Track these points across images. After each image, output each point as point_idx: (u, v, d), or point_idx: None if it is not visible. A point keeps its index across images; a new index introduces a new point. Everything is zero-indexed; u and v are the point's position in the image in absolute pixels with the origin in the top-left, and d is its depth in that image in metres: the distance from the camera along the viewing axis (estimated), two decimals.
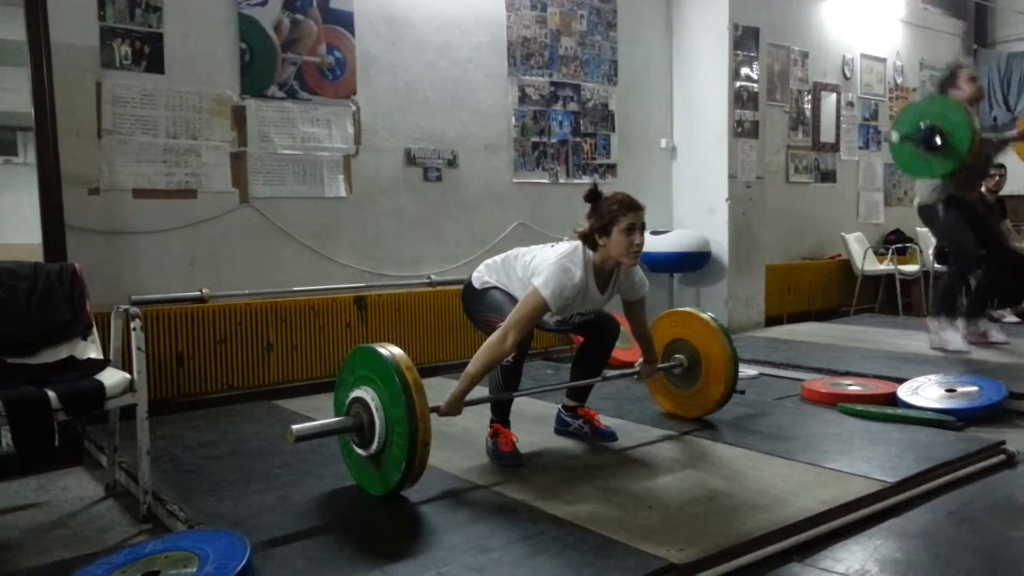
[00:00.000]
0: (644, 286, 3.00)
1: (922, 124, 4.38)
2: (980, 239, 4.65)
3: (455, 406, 2.63)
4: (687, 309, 3.45)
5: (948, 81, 4.69)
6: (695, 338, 3.30)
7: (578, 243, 2.81)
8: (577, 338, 3.25)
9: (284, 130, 4.30)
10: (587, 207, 2.80)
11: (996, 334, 4.90)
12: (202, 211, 4.06)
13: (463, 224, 4.99)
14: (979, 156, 4.55)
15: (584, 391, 3.16)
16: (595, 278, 2.81)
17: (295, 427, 2.35)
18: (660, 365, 3.30)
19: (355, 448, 2.50)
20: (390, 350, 2.40)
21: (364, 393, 2.43)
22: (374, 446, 2.40)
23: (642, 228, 2.75)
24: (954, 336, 4.72)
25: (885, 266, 7.02)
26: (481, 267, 3.06)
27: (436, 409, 2.52)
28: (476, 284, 3.01)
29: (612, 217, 2.71)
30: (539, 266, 2.77)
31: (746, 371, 4.22)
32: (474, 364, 2.65)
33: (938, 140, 4.33)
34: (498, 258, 3.03)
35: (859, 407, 3.49)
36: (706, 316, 3.31)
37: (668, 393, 3.43)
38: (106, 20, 3.77)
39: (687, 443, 3.06)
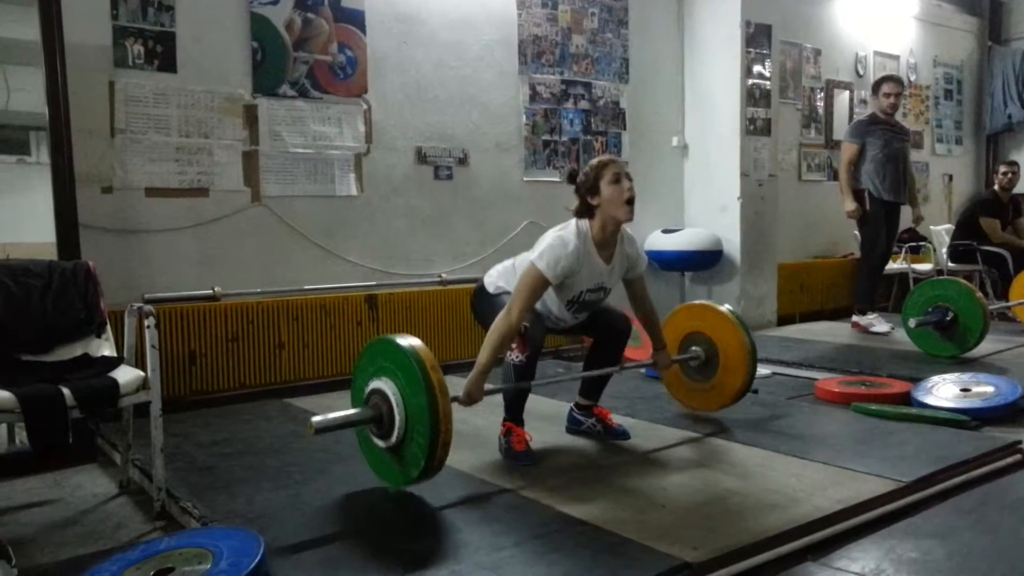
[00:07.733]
0: (644, 259, 3.04)
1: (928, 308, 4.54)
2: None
3: (475, 392, 2.62)
4: (703, 302, 3.45)
5: (874, 88, 5.51)
6: (712, 330, 3.29)
7: (572, 219, 2.85)
8: (588, 339, 3.24)
9: (295, 129, 4.31)
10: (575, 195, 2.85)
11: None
12: (214, 210, 4.08)
13: (474, 223, 4.99)
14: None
15: (597, 389, 3.15)
16: (597, 249, 2.83)
17: (315, 419, 2.34)
18: (677, 358, 3.30)
19: (374, 439, 2.49)
20: (410, 341, 2.38)
21: (383, 384, 2.40)
22: (393, 437, 2.37)
23: (628, 176, 2.78)
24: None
25: (899, 265, 6.97)
26: (493, 271, 3.06)
27: (456, 399, 2.50)
28: (490, 288, 3.01)
29: (596, 175, 2.78)
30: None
31: (759, 370, 4.18)
32: (485, 348, 2.65)
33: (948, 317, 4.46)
34: (508, 262, 3.04)
35: (873, 406, 3.47)
36: (723, 308, 3.32)
37: (684, 387, 3.42)
38: (119, 19, 3.78)
39: (700, 442, 3.05)
